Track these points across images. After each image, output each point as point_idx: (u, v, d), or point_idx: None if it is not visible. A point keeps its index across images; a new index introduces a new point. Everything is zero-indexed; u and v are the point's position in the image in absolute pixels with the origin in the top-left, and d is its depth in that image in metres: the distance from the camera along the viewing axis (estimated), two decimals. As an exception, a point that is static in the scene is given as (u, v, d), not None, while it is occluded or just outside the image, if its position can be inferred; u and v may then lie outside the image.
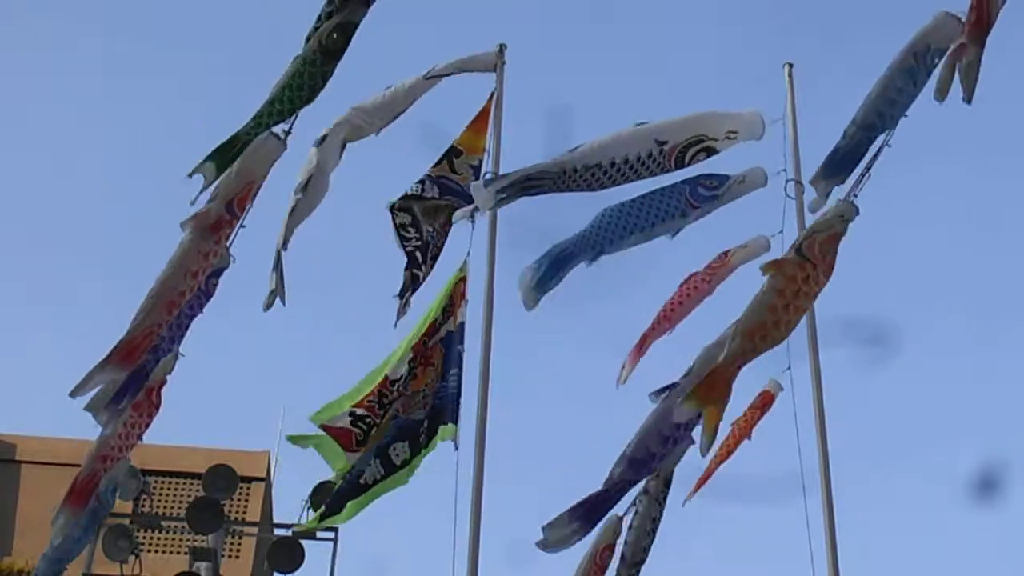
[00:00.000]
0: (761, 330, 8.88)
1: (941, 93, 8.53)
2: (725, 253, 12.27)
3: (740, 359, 8.88)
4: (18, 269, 31.77)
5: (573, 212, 11.34)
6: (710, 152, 11.48)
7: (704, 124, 11.52)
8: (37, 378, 30.55)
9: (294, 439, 11.38)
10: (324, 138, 10.88)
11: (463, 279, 11.42)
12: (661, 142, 11.18)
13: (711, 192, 11.72)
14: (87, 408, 9.06)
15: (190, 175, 8.96)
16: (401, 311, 11.44)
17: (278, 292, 9.64)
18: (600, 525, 10.47)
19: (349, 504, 10.66)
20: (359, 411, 11.09)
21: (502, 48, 12.31)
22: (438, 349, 11.23)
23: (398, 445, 10.89)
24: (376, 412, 11.09)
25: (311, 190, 10.42)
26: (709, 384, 8.88)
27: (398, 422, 10.99)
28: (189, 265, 8.99)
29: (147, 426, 9.94)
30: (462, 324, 11.21)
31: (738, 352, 8.83)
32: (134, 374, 9.34)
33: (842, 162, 8.81)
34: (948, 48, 8.69)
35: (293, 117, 9.29)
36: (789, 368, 11.22)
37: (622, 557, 10.62)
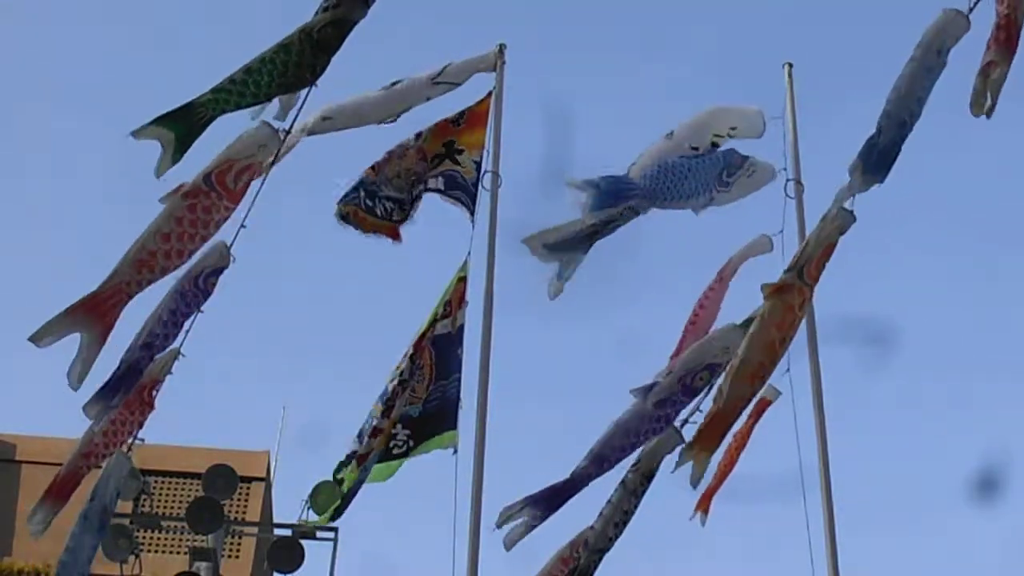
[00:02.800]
0: (760, 371, 8.96)
1: (978, 107, 8.49)
2: (730, 261, 12.29)
3: (741, 404, 8.94)
4: (17, 269, 31.79)
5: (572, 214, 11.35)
6: (716, 147, 11.68)
7: (714, 120, 11.75)
8: (37, 378, 30.53)
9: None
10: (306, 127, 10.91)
11: (463, 279, 11.41)
12: (694, 148, 11.50)
13: (729, 180, 11.85)
14: (71, 383, 8.93)
15: (135, 134, 8.71)
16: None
17: None
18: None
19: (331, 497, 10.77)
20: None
21: (502, 48, 12.31)
22: (427, 348, 11.19)
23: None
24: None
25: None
26: (713, 433, 8.93)
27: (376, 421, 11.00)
28: (160, 227, 8.91)
29: (140, 425, 9.84)
30: (462, 327, 11.20)
31: (740, 398, 8.88)
32: (128, 371, 9.27)
33: (880, 160, 8.72)
34: (954, 46, 8.69)
35: (295, 115, 9.23)
36: (788, 370, 11.20)
37: (585, 542, 10.59)
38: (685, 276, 12.24)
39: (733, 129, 11.83)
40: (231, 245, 9.54)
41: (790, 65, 12.78)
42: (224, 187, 9.01)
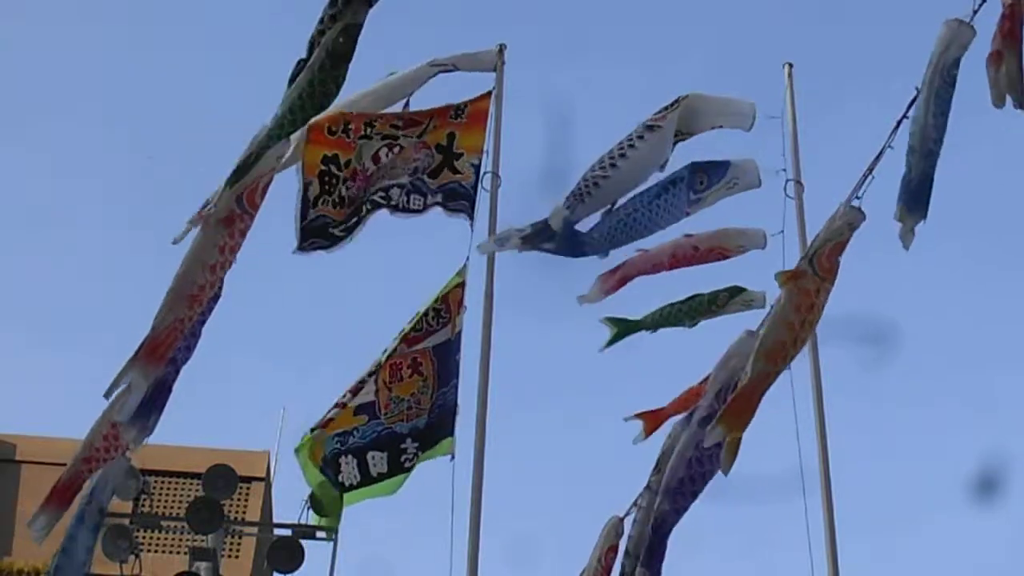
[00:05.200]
0: (782, 351, 8.99)
1: (999, 98, 8.48)
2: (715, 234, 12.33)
3: (765, 382, 8.96)
4: (17, 270, 31.78)
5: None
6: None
7: (701, 111, 11.80)
8: (37, 378, 30.56)
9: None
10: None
11: (461, 285, 11.40)
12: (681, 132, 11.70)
13: (699, 195, 11.85)
14: (121, 416, 9.01)
15: (215, 203, 8.95)
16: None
17: None
18: (603, 527, 10.47)
19: (333, 501, 10.83)
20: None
21: (502, 48, 12.31)
22: (428, 357, 11.22)
23: (376, 454, 10.97)
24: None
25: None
26: (737, 410, 8.94)
27: (379, 430, 11.02)
28: (205, 259, 8.95)
29: None
30: (459, 333, 11.22)
31: (762, 375, 8.90)
32: (158, 388, 9.27)
33: (918, 194, 8.79)
34: (961, 56, 8.69)
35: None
36: (789, 368, 11.17)
37: (626, 552, 10.57)
38: (683, 276, 12.22)
39: (717, 126, 11.94)
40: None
41: (790, 65, 12.79)
42: (254, 206, 9.08)
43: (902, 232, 8.72)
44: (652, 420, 11.77)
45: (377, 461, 10.93)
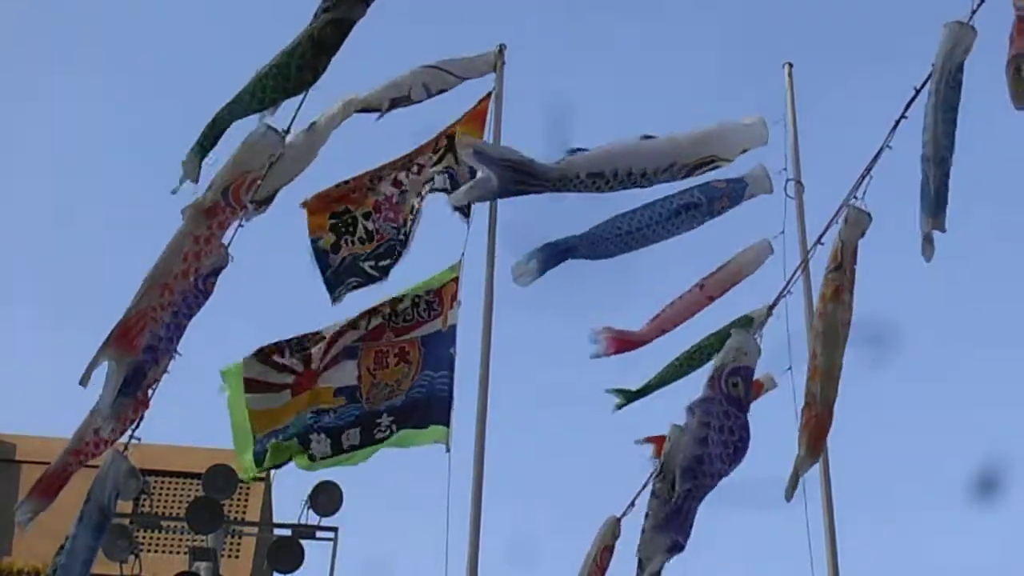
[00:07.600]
0: (839, 370, 9.09)
1: (1020, 100, 8.45)
2: (725, 270, 12.23)
3: (833, 404, 9.06)
4: (17, 269, 31.79)
5: (573, 217, 11.40)
6: (719, 166, 11.67)
7: (715, 143, 11.68)
8: (37, 378, 30.56)
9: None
10: (313, 124, 11.02)
11: (455, 280, 11.42)
12: (671, 164, 11.39)
13: (717, 216, 11.85)
14: (102, 409, 9.06)
15: (184, 166, 8.99)
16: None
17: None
18: (600, 527, 10.45)
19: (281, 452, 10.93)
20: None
21: (502, 48, 12.29)
22: (416, 347, 11.25)
23: (351, 431, 11.06)
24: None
25: (290, 160, 10.54)
26: (815, 439, 9.03)
27: (357, 413, 11.10)
28: (181, 247, 8.97)
29: (132, 423, 9.83)
30: (454, 327, 11.23)
31: (831, 400, 9.02)
32: (133, 374, 9.26)
33: (937, 202, 8.80)
34: (965, 60, 8.66)
35: (293, 115, 9.27)
36: (790, 368, 11.16)
37: (639, 561, 10.49)
38: (683, 276, 12.21)
39: (744, 151, 11.88)
40: (229, 244, 9.54)
41: (790, 65, 12.78)
42: (238, 201, 9.10)
43: (923, 244, 8.71)
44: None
45: (351, 436, 11.07)
